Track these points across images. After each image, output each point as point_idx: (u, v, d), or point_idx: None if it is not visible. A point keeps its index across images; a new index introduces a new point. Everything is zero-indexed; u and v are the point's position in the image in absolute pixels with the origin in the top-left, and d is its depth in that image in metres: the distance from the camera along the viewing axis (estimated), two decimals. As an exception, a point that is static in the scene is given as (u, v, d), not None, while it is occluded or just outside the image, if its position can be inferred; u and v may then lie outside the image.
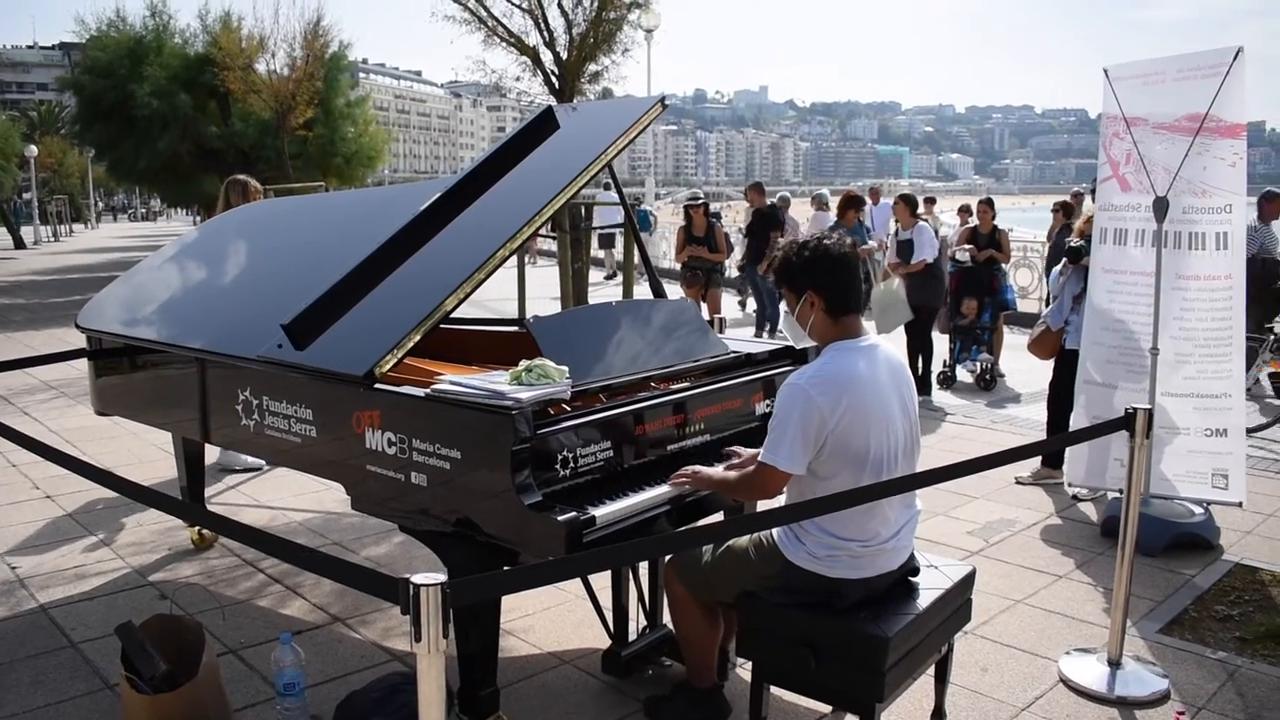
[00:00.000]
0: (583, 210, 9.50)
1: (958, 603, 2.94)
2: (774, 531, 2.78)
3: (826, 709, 3.09)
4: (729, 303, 13.79)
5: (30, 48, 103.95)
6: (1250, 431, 5.50)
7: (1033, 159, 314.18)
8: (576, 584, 3.82)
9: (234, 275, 4.32)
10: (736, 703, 3.10)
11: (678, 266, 10.93)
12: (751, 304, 13.00)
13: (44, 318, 13.51)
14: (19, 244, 30.10)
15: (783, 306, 6.68)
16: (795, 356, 3.59)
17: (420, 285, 3.14)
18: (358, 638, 3.80)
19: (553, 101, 13.29)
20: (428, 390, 2.83)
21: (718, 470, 2.95)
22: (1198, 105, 4.44)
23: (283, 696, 3.10)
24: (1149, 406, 3.41)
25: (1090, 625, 3.90)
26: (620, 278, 14.74)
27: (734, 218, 19.53)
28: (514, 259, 8.28)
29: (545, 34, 13.51)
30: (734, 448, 3.11)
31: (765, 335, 11.32)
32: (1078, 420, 5.03)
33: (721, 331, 4.03)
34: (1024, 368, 8.84)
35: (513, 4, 13.42)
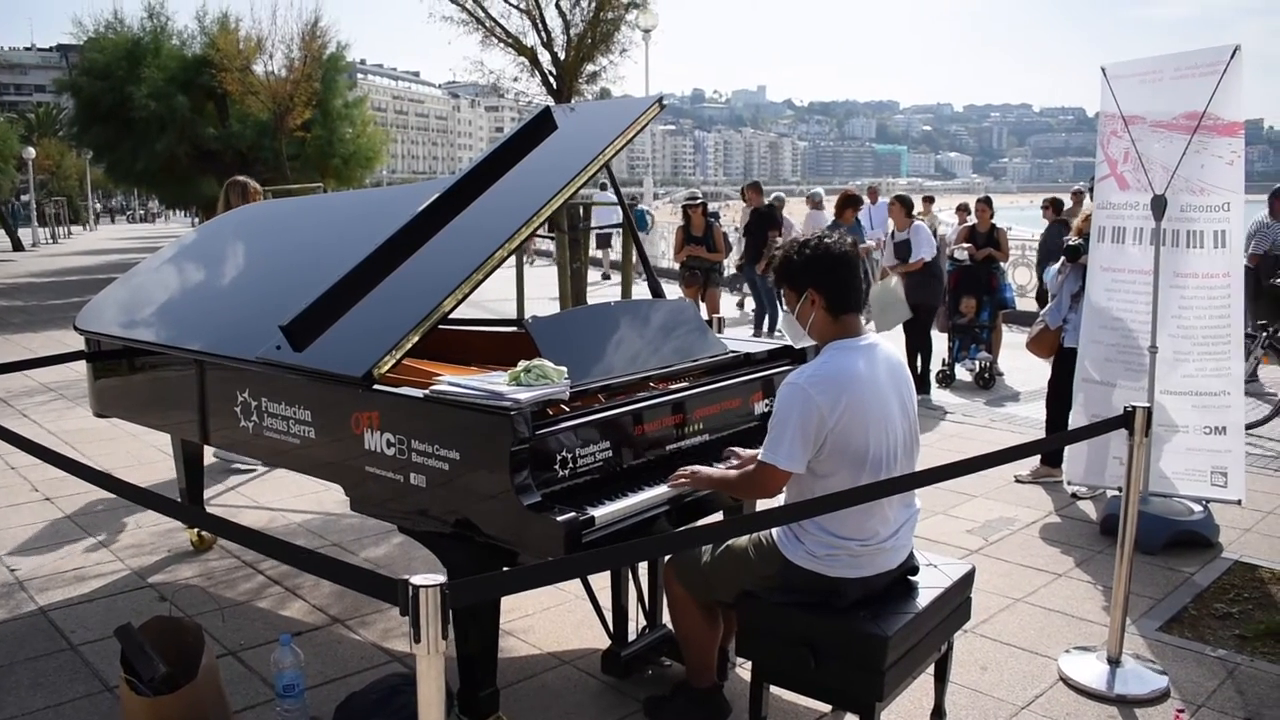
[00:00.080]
0: (581, 210, 9.50)
1: (957, 601, 2.94)
2: (773, 531, 2.78)
3: (826, 708, 3.09)
4: (727, 302, 13.79)
5: (28, 49, 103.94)
6: (1248, 427, 5.50)
7: (1031, 157, 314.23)
8: (576, 584, 3.82)
9: (232, 277, 4.32)
10: (736, 702, 3.10)
11: (676, 266, 10.93)
12: (750, 303, 13.01)
13: (42, 320, 13.50)
14: (17, 246, 30.08)
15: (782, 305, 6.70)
16: (794, 356, 3.59)
17: (419, 286, 3.14)
18: (357, 639, 3.80)
19: (550, 102, 13.30)
20: (426, 391, 2.83)
21: (717, 469, 2.95)
22: (1195, 103, 4.44)
23: (282, 698, 3.10)
24: (1148, 404, 3.42)
25: (1090, 623, 3.91)
26: (616, 278, 14.73)
27: (732, 217, 19.55)
28: (513, 259, 8.28)
29: (543, 34, 13.52)
30: (733, 449, 3.11)
31: (764, 334, 11.32)
32: (1076, 418, 5.04)
33: (720, 331, 4.03)
34: (1023, 366, 8.84)
35: (510, 4, 13.44)
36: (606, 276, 18.39)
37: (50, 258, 27.05)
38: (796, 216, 13.61)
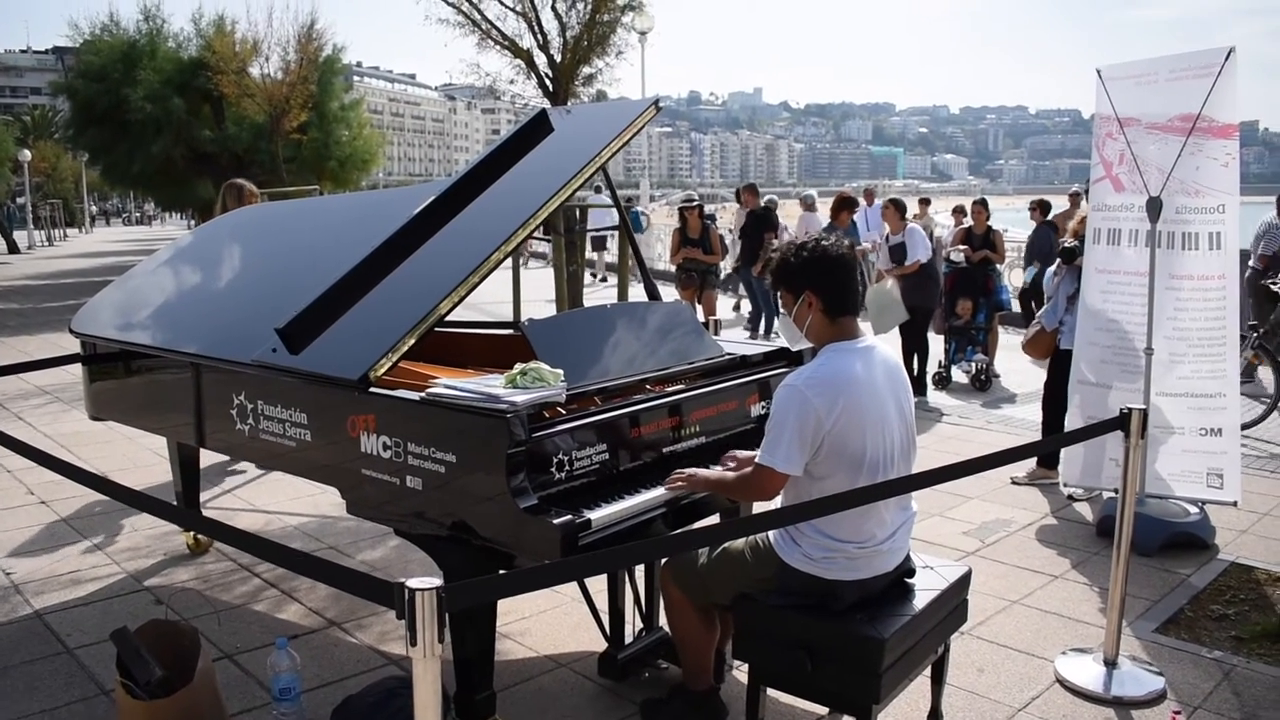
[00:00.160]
0: (577, 213, 9.50)
1: (954, 603, 2.94)
2: (770, 534, 2.78)
3: (823, 711, 3.09)
4: (724, 304, 13.79)
5: (24, 52, 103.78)
6: (1243, 427, 5.51)
7: (1027, 159, 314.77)
8: (573, 587, 3.82)
9: (228, 279, 4.31)
10: (733, 705, 3.09)
11: (673, 269, 10.93)
12: (746, 305, 13.01)
13: (38, 323, 13.47)
14: (12, 249, 30.02)
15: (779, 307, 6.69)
16: (791, 358, 3.59)
17: (415, 288, 3.13)
18: (354, 642, 3.79)
19: (547, 104, 13.30)
20: (423, 394, 2.82)
21: (714, 472, 2.95)
22: (1190, 105, 4.45)
23: (279, 701, 3.10)
24: (1144, 406, 3.42)
25: (1086, 625, 3.91)
26: (611, 280, 14.72)
27: (726, 220, 19.56)
28: (509, 262, 8.29)
29: (539, 37, 13.50)
30: (733, 452, 3.10)
31: (761, 336, 11.33)
32: (1073, 420, 5.04)
33: (717, 333, 4.03)
34: (1019, 368, 8.86)
35: (506, 7, 13.43)
36: (604, 279, 18.39)
37: (46, 260, 26.99)
38: (789, 219, 13.59)
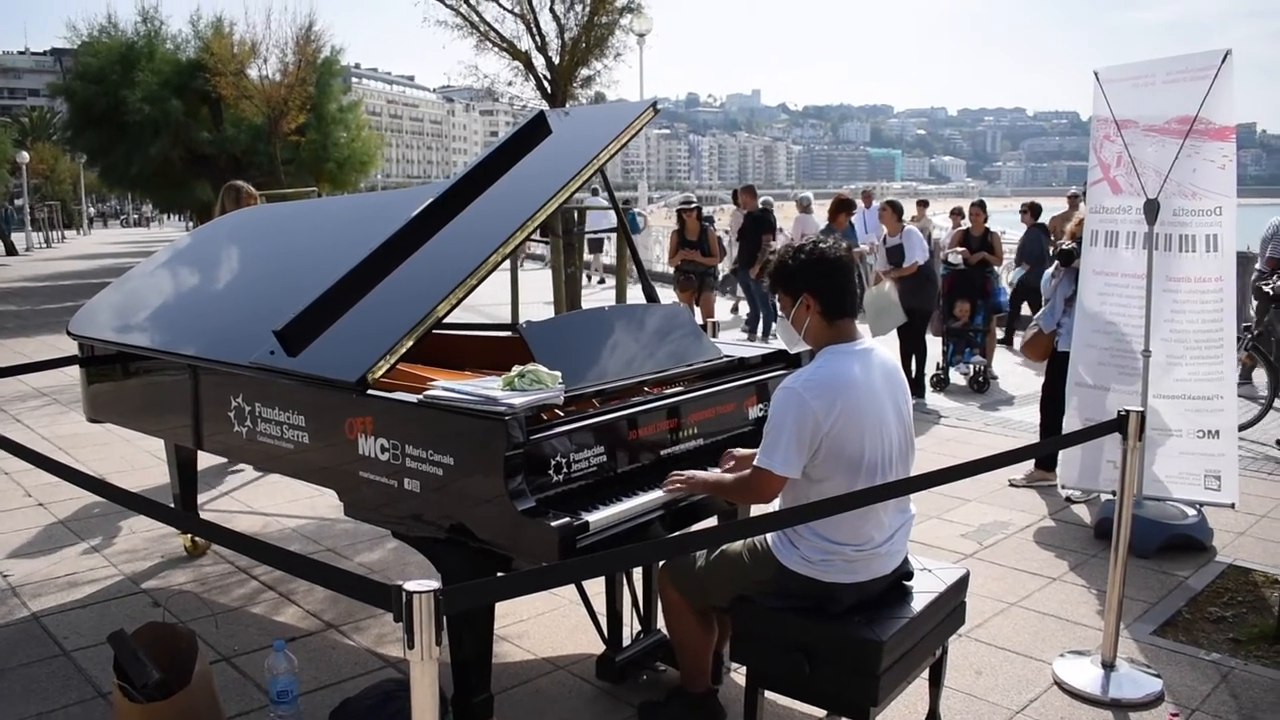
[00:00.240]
0: (575, 215, 9.50)
1: (952, 606, 2.94)
2: (768, 536, 2.78)
3: (821, 713, 3.09)
4: (722, 306, 13.79)
5: (22, 53, 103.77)
6: (1239, 428, 5.51)
7: (1025, 161, 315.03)
8: (570, 589, 3.82)
9: (226, 281, 4.31)
10: (731, 708, 3.09)
11: (671, 270, 10.93)
12: (744, 307, 13.01)
13: (36, 324, 13.46)
14: (11, 250, 29.98)
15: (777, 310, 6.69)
16: (789, 360, 3.60)
17: (413, 291, 3.13)
18: (351, 644, 3.79)
19: (545, 106, 13.30)
20: (420, 396, 2.82)
21: (712, 474, 2.95)
22: (1187, 108, 4.45)
23: (276, 704, 3.09)
24: (1141, 409, 3.43)
25: (1084, 627, 3.91)
26: (609, 281, 14.68)
27: (723, 222, 19.55)
28: (507, 263, 8.28)
29: (537, 39, 13.51)
30: (732, 450, 3.10)
31: (759, 338, 11.33)
32: (1070, 422, 5.04)
33: (715, 335, 4.03)
34: (1017, 370, 8.87)
35: (505, 9, 13.44)
36: (601, 281, 18.39)
37: (44, 262, 26.97)
38: (785, 221, 13.57)
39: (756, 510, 3.15)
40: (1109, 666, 3.46)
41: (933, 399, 8.40)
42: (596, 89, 14.83)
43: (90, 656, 3.64)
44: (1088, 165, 5.06)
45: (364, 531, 4.86)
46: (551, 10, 13.42)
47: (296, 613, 4.07)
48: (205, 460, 5.00)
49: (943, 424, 7.53)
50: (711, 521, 3.20)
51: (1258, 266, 8.80)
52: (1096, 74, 4.83)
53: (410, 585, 1.75)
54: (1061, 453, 5.24)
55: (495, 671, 2.97)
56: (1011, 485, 5.81)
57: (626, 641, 3.47)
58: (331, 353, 3.06)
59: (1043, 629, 3.90)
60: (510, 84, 14.44)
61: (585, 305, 9.66)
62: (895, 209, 8.65)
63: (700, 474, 2.92)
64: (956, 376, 9.05)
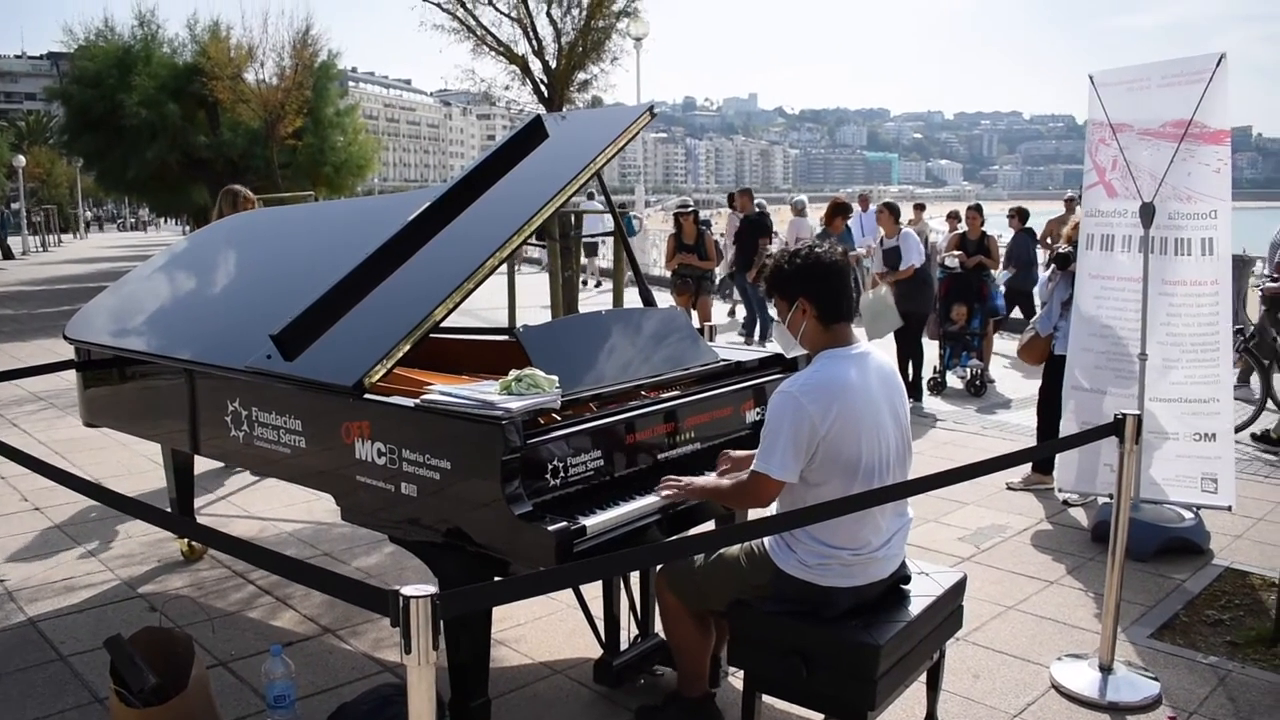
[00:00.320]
0: (572, 218, 9.51)
1: (949, 609, 2.94)
2: (765, 540, 2.78)
3: (819, 717, 3.08)
4: (719, 310, 13.79)
5: (18, 57, 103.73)
6: (1236, 429, 5.52)
7: (1021, 165, 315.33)
8: (568, 593, 3.81)
9: (223, 285, 4.31)
10: (729, 711, 3.09)
11: (668, 274, 10.94)
12: (741, 311, 13.01)
13: (32, 328, 13.44)
14: (7, 254, 29.95)
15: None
16: (785, 364, 3.60)
17: (410, 295, 3.13)
18: (348, 649, 3.78)
19: (542, 110, 13.31)
20: (417, 400, 2.82)
21: (709, 479, 2.94)
22: (1182, 111, 4.46)
23: (273, 709, 3.09)
24: (1138, 412, 3.43)
25: (1081, 631, 3.91)
26: (606, 285, 14.67)
27: (720, 225, 19.54)
28: (504, 268, 8.28)
29: (534, 43, 13.55)
30: (728, 451, 3.10)
31: (755, 342, 11.34)
32: (1067, 426, 5.05)
33: (712, 339, 4.03)
34: (1014, 373, 8.87)
35: (501, 13, 13.48)
36: (597, 284, 18.39)
37: (40, 266, 26.95)
38: (779, 224, 13.56)
39: (754, 514, 3.15)
40: (1106, 670, 3.46)
41: (930, 402, 8.40)
42: (593, 93, 14.87)
43: (87, 661, 3.64)
44: (1083, 169, 5.07)
45: (361, 536, 4.86)
46: (548, 14, 13.46)
47: (293, 617, 4.07)
48: (203, 464, 5.00)
49: (940, 427, 7.53)
50: (709, 525, 3.20)
51: (1269, 272, 8.77)
52: (1092, 78, 4.84)
53: (407, 590, 1.75)
54: (1058, 456, 5.25)
55: (492, 676, 2.97)
56: (1009, 489, 5.82)
57: (624, 646, 3.46)
58: (328, 357, 3.06)
59: (1040, 632, 3.91)
60: (507, 88, 14.49)
61: (582, 309, 9.67)
62: (893, 211, 8.65)
63: (696, 480, 2.91)
64: (953, 380, 9.06)
